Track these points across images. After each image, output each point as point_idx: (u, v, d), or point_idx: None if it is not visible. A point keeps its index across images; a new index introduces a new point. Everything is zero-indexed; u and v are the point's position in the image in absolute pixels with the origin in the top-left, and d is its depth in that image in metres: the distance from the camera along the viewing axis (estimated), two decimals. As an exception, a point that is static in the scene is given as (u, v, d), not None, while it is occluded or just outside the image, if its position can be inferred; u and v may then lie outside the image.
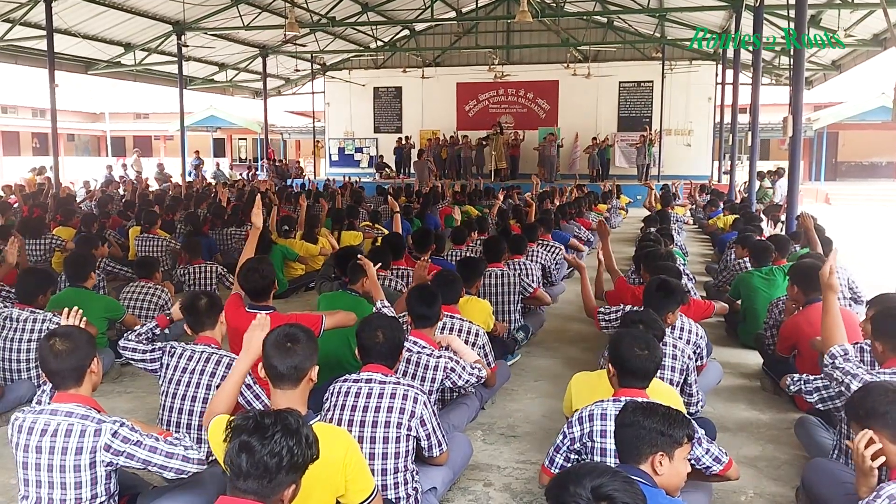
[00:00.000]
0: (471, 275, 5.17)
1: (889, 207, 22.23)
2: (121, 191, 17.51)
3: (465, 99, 26.54)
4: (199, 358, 3.65)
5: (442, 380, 3.83)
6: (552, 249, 8.26)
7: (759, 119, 14.09)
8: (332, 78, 27.35)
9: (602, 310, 4.96)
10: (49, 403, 2.89)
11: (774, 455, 4.07)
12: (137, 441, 2.79)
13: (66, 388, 2.89)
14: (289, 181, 23.07)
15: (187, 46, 19.34)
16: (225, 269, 7.47)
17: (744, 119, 20.85)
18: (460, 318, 4.57)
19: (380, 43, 24.97)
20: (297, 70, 26.31)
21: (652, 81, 24.54)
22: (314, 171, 28.05)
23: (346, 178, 19.98)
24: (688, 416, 2.81)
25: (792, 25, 9.78)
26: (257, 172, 25.68)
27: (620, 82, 25.12)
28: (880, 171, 30.07)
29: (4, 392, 4.56)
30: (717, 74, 24.02)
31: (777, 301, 5.24)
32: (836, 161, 30.10)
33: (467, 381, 3.93)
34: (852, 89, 27.61)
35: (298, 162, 28.79)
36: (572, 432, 3.02)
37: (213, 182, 21.67)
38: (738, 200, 14.88)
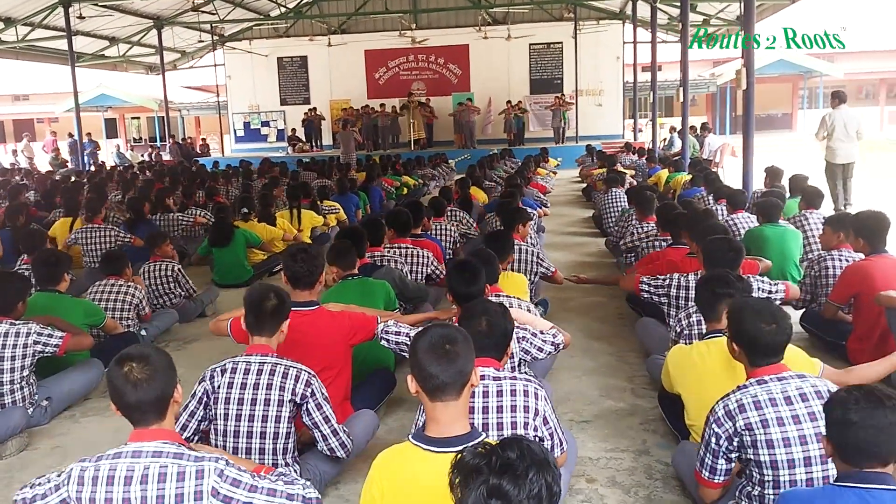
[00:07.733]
0: (503, 248, 4.73)
1: (787, 156, 23.17)
2: (18, 179, 16.01)
3: (374, 67, 25.72)
4: (255, 370, 3.10)
5: (519, 352, 3.47)
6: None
7: (689, 76, 14.14)
8: (233, 49, 25.89)
9: (646, 280, 4.68)
10: (125, 445, 2.33)
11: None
12: (251, 486, 2.29)
13: (148, 424, 2.34)
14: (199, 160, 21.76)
15: (82, 19, 17.71)
16: (182, 270, 6.46)
17: (651, 76, 21.07)
18: (506, 296, 4.17)
19: (282, 10, 23.83)
20: (201, 41, 24.73)
21: (562, 43, 24.50)
22: (220, 149, 26.66)
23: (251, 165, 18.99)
24: None
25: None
26: (160, 153, 24.12)
27: (531, 44, 24.93)
28: (776, 122, 31.40)
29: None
30: (623, 34, 24.25)
31: (819, 258, 5.05)
32: (735, 115, 31.16)
33: (541, 348, 3.54)
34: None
35: (204, 139, 27.29)
36: (726, 430, 2.68)
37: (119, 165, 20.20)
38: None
